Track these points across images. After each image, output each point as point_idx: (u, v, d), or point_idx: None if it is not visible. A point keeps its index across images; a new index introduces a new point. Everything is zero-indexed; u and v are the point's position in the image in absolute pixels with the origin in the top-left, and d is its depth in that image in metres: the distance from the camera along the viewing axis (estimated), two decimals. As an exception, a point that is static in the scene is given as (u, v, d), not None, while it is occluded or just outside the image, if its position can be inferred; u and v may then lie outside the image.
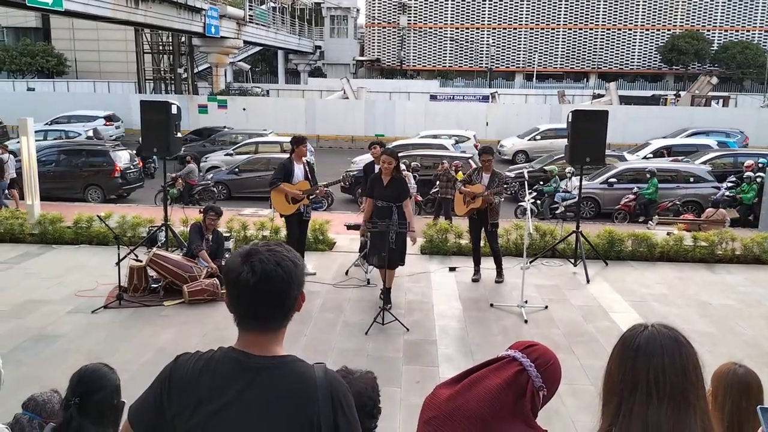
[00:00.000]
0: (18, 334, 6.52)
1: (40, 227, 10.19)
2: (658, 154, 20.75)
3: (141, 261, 8.00)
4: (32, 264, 9.08)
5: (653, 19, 54.21)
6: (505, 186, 8.47)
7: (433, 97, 40.72)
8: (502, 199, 8.59)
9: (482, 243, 8.73)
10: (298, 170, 8.33)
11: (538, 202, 15.04)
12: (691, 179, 15.68)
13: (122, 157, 17.21)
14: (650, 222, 12.99)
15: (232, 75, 50.28)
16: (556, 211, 14.04)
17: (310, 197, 8.46)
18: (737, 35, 53.15)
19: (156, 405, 1.74)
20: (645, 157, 20.09)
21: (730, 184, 15.78)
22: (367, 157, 9.40)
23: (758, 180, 14.30)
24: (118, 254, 7.41)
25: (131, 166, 17.32)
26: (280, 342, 1.75)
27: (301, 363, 1.73)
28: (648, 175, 14.74)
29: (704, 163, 17.71)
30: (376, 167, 8.21)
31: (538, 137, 24.89)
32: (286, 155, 9.12)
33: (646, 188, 14.56)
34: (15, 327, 6.71)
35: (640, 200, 14.62)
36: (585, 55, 55.36)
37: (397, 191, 7.38)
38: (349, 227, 9.76)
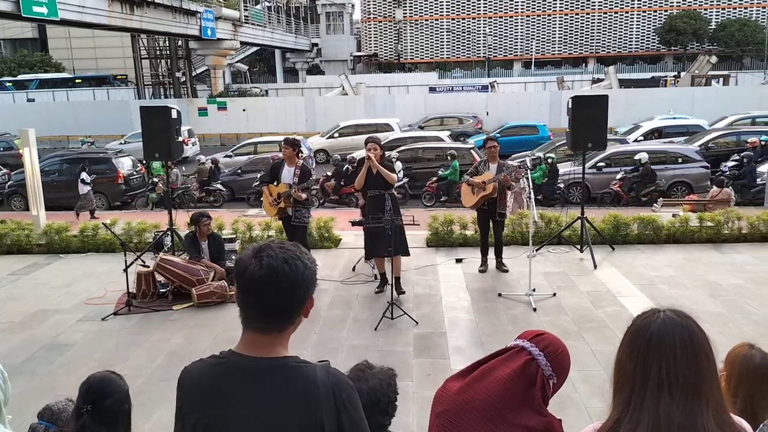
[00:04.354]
0: (30, 344, 6.55)
1: (47, 237, 10.23)
2: (649, 136, 20.83)
3: (148, 266, 8.03)
4: (41, 274, 9.13)
5: (650, 0, 53.90)
6: (517, 176, 8.38)
7: (432, 90, 40.49)
8: (523, 187, 8.57)
9: (490, 233, 8.70)
10: (287, 172, 7.96)
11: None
12: (680, 160, 15.68)
13: (125, 164, 17.28)
14: (655, 204, 12.94)
15: (230, 76, 50.26)
16: None
17: (290, 200, 7.84)
18: (735, 13, 52.77)
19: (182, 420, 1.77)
20: (636, 140, 20.04)
21: (733, 163, 15.64)
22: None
23: (548, 161, 14.31)
24: (125, 261, 7.46)
25: (134, 172, 17.38)
26: (284, 345, 1.73)
27: (302, 364, 1.70)
28: (449, 158, 15.42)
29: (706, 142, 17.63)
30: None
31: (337, 135, 25.11)
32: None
33: (448, 171, 15.19)
34: (27, 337, 6.75)
35: (442, 182, 15.53)
36: (583, 39, 55.10)
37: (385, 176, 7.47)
38: (354, 224, 9.77)
